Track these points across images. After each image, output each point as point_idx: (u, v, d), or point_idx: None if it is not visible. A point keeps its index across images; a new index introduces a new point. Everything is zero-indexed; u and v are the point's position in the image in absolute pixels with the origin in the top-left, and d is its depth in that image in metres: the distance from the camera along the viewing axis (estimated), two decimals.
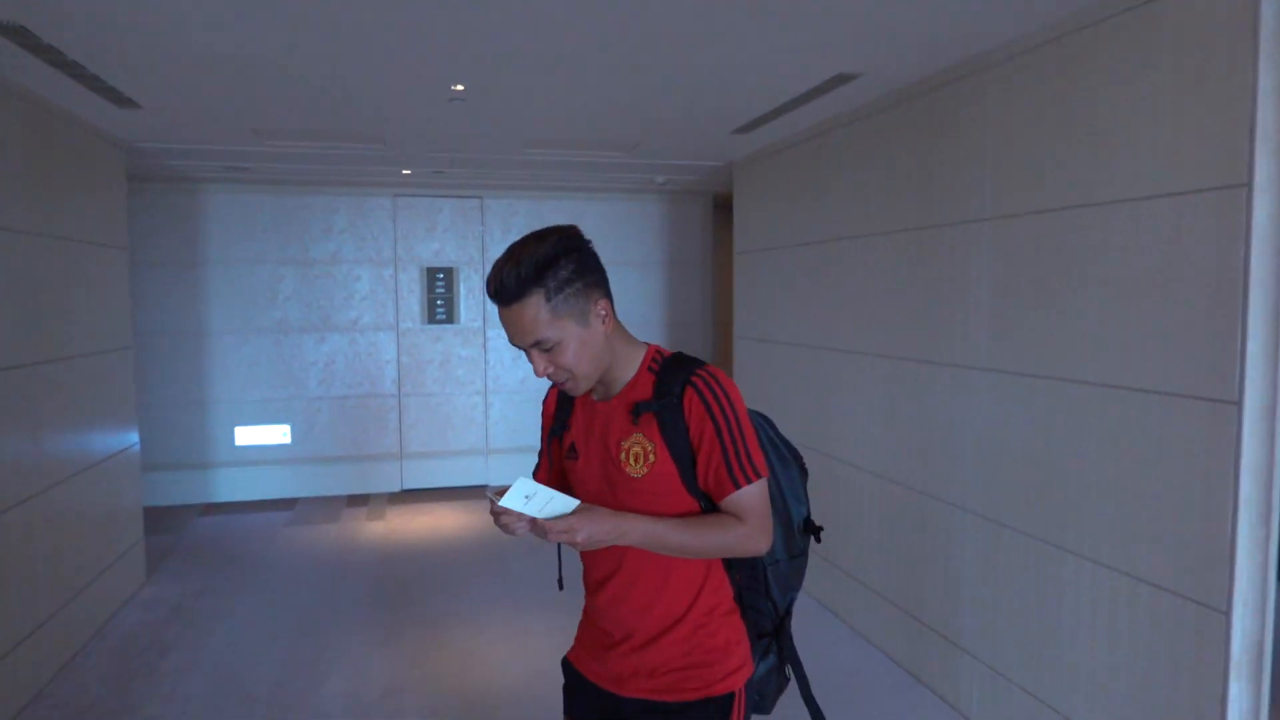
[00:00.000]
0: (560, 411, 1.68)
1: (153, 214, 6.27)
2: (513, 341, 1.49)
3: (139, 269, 6.27)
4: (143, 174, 5.87)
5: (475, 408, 7.00)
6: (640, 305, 7.19)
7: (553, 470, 1.71)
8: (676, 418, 1.51)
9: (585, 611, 1.70)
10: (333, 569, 5.00)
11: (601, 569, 1.60)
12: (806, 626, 4.09)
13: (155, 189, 6.25)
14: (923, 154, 3.43)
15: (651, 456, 1.51)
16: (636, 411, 1.52)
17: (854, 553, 4.02)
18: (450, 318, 6.87)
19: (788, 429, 4.66)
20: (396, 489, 6.87)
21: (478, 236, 6.90)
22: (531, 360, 1.51)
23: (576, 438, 1.62)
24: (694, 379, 1.53)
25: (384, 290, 6.76)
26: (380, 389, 6.79)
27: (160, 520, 6.04)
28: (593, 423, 1.59)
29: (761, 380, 5.10)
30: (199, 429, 6.48)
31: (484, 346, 6.99)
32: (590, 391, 1.61)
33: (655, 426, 1.51)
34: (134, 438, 4.70)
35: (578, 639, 1.73)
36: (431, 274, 6.82)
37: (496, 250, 6.89)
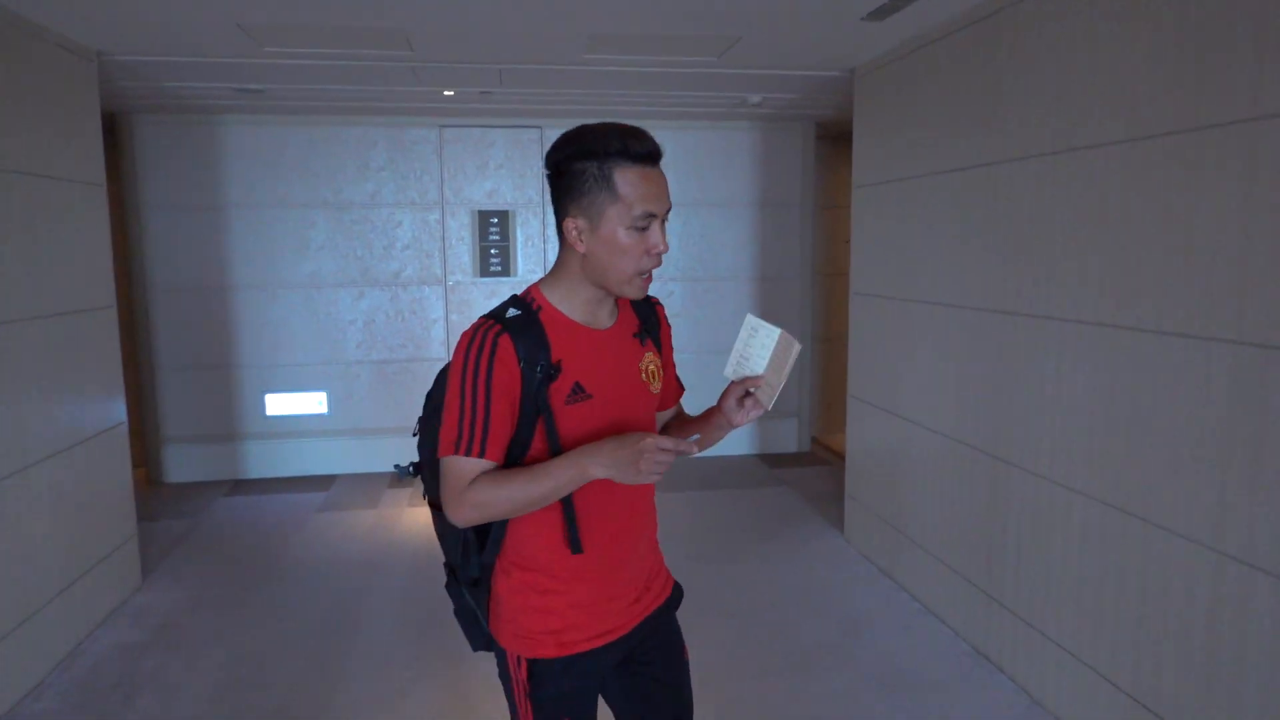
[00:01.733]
0: (537, 363, 1.43)
1: (164, 150, 5.45)
2: (652, 207, 1.41)
3: (150, 213, 5.48)
4: (149, 104, 5.03)
5: None
6: (725, 254, 6.10)
7: (512, 436, 1.44)
8: (659, 336, 1.66)
9: (585, 582, 1.52)
10: (362, 573, 4.15)
11: (622, 513, 1.55)
12: (967, 685, 3.03)
13: (165, 122, 5.40)
14: (1184, 16, 2.25)
15: (661, 372, 1.62)
16: (642, 333, 1.58)
17: (1039, 595, 2.93)
18: (506, 270, 5.91)
19: (936, 416, 3.56)
20: None
21: (537, 174, 5.89)
22: (660, 236, 1.43)
23: (580, 376, 1.46)
24: (657, 301, 1.68)
25: (429, 238, 5.83)
26: (426, 352, 5.91)
27: (180, 501, 5.32)
28: (599, 352, 1.50)
29: (891, 350, 3.99)
30: (226, 397, 5.72)
31: None
32: (575, 323, 1.49)
33: (652, 345, 1.61)
34: (120, 413, 3.89)
35: (562, 625, 1.51)
36: (484, 218, 5.85)
37: None
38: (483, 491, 1.38)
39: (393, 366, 5.88)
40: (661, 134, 5.80)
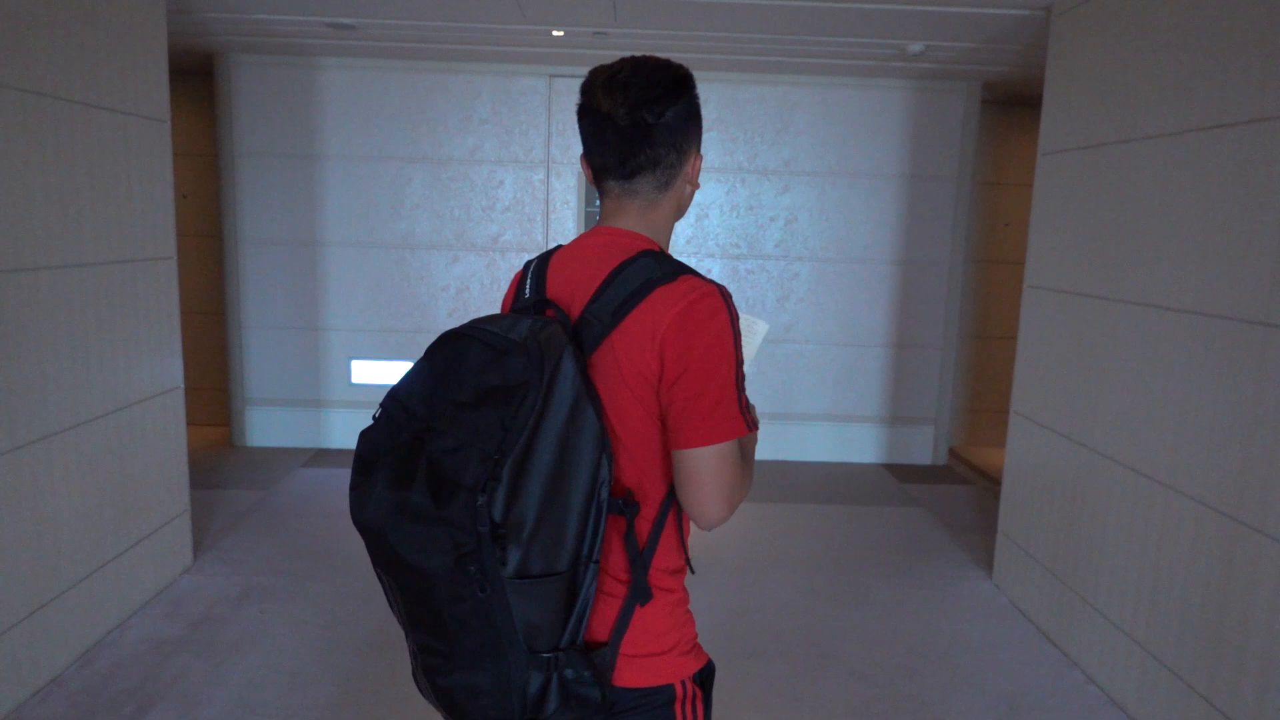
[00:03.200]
0: None
1: (261, 94, 5.10)
2: None
3: (244, 160, 5.16)
4: (244, 41, 4.67)
5: None
6: (863, 232, 5.30)
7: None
8: None
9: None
10: None
11: None
12: None
13: (263, 63, 5.05)
14: None
15: None
16: None
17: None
18: None
19: (1142, 453, 2.25)
20: None
21: None
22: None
23: None
24: None
25: (532, 200, 5.30)
26: None
27: (256, 468, 5.02)
28: None
29: (1078, 360, 3.16)
30: (311, 361, 5.39)
31: None
32: None
33: None
34: (177, 376, 3.53)
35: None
36: None
37: None
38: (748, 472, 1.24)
39: None
40: (798, 90, 4.95)
